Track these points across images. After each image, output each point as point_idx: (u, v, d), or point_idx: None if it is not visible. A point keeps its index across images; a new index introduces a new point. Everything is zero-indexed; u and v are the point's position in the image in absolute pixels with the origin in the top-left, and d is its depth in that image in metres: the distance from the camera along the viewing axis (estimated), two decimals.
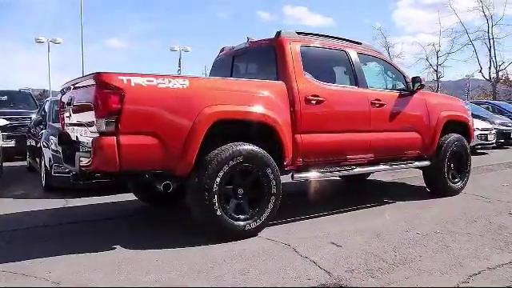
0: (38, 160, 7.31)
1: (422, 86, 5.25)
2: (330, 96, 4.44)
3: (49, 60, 26.44)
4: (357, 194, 6.25)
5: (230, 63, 4.98)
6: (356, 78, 4.80)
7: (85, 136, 3.83)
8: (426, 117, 5.37)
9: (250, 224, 3.81)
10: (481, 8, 32.12)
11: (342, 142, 4.57)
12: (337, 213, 4.79)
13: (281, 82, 4.19)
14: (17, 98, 11.66)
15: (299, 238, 3.87)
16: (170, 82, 3.53)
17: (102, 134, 3.32)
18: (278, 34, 4.41)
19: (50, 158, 6.12)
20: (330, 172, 4.50)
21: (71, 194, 5.92)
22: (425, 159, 5.43)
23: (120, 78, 3.35)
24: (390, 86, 5.39)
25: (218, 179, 3.61)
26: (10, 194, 6.24)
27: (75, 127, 4.20)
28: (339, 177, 6.22)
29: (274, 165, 3.94)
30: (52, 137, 6.30)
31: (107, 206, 5.35)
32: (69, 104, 4.06)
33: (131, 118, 3.34)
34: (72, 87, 4.21)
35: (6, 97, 11.52)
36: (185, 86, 3.59)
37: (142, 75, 3.46)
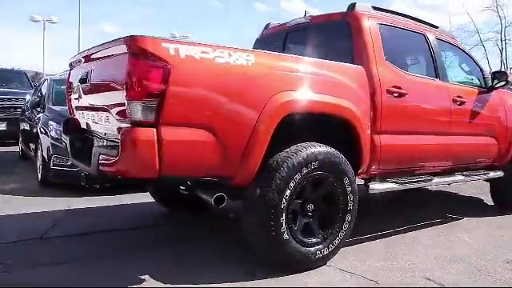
0: (32, 147, 6.20)
1: (506, 84, 4.29)
2: (413, 89, 3.45)
3: (44, 40, 24.93)
4: (410, 205, 5.25)
5: (280, 42, 3.94)
6: (436, 69, 3.82)
7: (105, 124, 2.77)
8: (504, 119, 4.42)
9: (320, 250, 2.82)
10: (495, 8, 30.84)
11: (421, 146, 3.59)
12: (404, 231, 3.83)
13: (360, 66, 3.18)
14: (9, 77, 10.40)
15: (380, 269, 2.90)
16: (230, 55, 2.49)
17: (135, 124, 2.27)
18: (352, 6, 3.39)
19: (48, 148, 5.03)
20: (407, 183, 3.52)
21: (73, 191, 4.85)
22: (498, 169, 4.50)
23: (165, 45, 2.30)
24: (466, 80, 4.43)
25: (287, 192, 2.61)
26: None
27: (87, 112, 3.15)
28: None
29: (352, 173, 2.95)
30: (52, 122, 5.21)
31: (122, 211, 4.29)
32: (83, 81, 2.99)
33: (179, 104, 2.30)
34: (84, 59, 3.15)
35: None
36: (250, 63, 2.56)
37: (194, 44, 2.42)
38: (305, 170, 2.67)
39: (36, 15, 23.30)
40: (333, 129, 2.99)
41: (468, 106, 3.99)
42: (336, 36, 3.49)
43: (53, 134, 5.05)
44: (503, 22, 30.46)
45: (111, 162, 2.36)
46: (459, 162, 4.03)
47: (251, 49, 2.64)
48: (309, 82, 2.79)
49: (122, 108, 2.39)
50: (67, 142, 3.30)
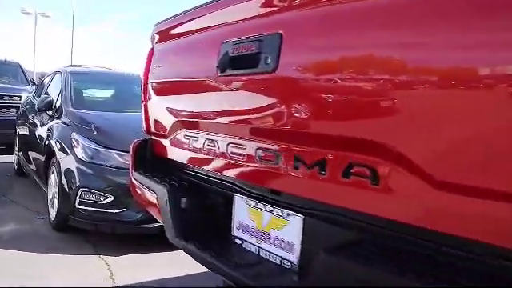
0: (32, 156, 4.31)
1: None
2: None
3: (35, 34, 22.41)
4: None
5: None
6: None
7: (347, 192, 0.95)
8: None
9: None
10: None
11: None
12: None
13: None
14: (1, 70, 8.27)
15: None
16: None
17: None
18: None
19: (71, 174, 3.12)
20: None
21: (102, 239, 3.02)
22: None
23: None
24: None
25: None
26: None
27: (232, 140, 1.32)
28: None
29: None
30: (76, 135, 3.31)
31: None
32: (242, 65, 1.17)
33: None
34: (231, 14, 1.34)
35: None
36: None
37: None
38: None
39: (27, 7, 20.75)
40: None
41: None
42: None
43: (79, 153, 3.16)
44: None
45: None
46: None
47: None
48: None
49: None
50: (165, 200, 1.46)
